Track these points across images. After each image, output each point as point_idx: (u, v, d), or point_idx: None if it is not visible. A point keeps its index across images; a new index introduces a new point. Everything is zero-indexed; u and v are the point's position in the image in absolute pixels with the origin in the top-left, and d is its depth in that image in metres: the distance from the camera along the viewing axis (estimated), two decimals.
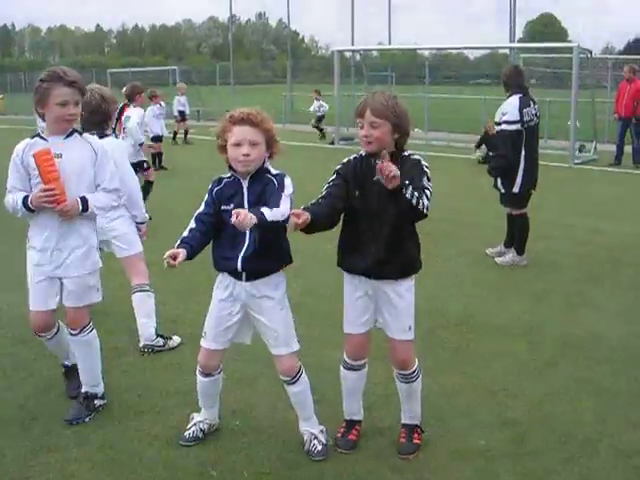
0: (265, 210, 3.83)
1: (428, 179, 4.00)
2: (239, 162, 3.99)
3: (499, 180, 8.66)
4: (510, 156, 8.40)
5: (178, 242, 4.14)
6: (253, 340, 4.41)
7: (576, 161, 18.86)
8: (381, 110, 3.95)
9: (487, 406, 4.94)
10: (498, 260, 8.81)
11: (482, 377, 5.43)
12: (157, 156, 18.03)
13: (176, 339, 6.12)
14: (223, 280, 4.23)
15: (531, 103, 8.56)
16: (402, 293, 4.16)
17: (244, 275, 4.10)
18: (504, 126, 8.43)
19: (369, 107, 3.97)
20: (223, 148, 4.07)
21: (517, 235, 8.83)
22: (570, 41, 26.66)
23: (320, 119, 26.31)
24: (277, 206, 3.90)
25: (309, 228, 3.84)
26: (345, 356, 4.42)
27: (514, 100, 8.45)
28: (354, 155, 4.21)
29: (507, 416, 4.80)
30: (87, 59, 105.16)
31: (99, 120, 6.03)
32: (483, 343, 6.13)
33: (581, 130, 20.19)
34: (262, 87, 42.93)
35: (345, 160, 4.23)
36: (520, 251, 8.82)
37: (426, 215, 3.96)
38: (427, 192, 3.93)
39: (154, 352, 5.93)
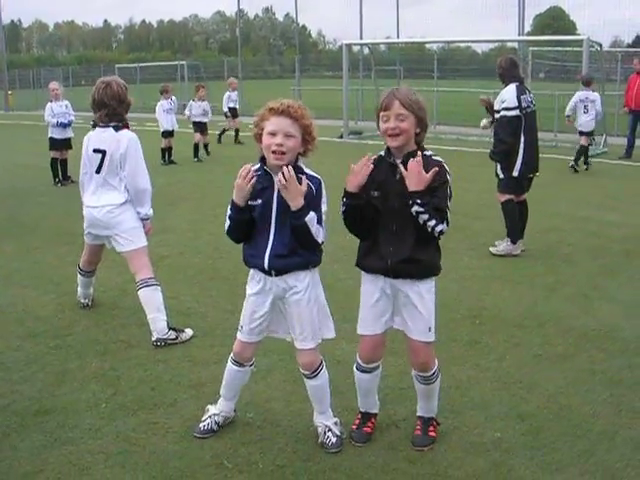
0: (312, 216, 3.94)
1: (450, 195, 4.00)
2: (272, 152, 3.94)
3: (499, 166, 8.78)
4: (510, 140, 8.61)
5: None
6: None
7: None
8: (408, 102, 3.95)
9: (502, 399, 4.91)
10: (492, 250, 8.82)
11: (496, 370, 5.39)
12: (167, 150, 18.08)
13: (188, 332, 6.08)
14: (255, 275, 4.20)
15: (526, 91, 8.81)
16: (422, 294, 4.09)
17: (273, 272, 4.08)
18: (503, 112, 8.64)
19: (397, 99, 3.96)
20: (259, 137, 4.03)
21: (508, 222, 8.85)
22: (579, 34, 26.47)
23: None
24: (320, 223, 4.00)
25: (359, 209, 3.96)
26: (358, 358, 4.35)
27: (511, 88, 8.68)
28: (372, 156, 4.13)
29: (522, 409, 4.77)
30: (95, 54, 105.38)
31: (117, 111, 6.09)
32: (496, 336, 6.10)
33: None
34: (270, 82, 42.74)
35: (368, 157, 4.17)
36: (514, 239, 8.85)
37: (439, 239, 4.06)
38: (447, 215, 3.96)
39: (167, 345, 5.91)
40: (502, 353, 5.72)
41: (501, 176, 8.78)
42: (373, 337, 4.24)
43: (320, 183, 4.10)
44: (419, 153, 3.90)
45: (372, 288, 4.18)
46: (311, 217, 3.95)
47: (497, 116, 8.78)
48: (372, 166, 3.95)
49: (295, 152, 4.01)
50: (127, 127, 6.19)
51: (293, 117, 3.95)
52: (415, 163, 3.84)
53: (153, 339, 5.96)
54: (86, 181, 6.23)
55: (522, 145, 8.62)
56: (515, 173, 8.68)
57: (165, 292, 6.38)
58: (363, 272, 4.24)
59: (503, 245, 8.86)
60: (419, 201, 3.85)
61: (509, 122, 8.58)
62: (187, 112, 19.13)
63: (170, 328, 6.00)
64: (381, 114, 4.02)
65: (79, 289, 6.83)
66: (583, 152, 16.60)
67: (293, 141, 3.96)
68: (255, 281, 4.20)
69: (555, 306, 6.87)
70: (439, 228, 3.93)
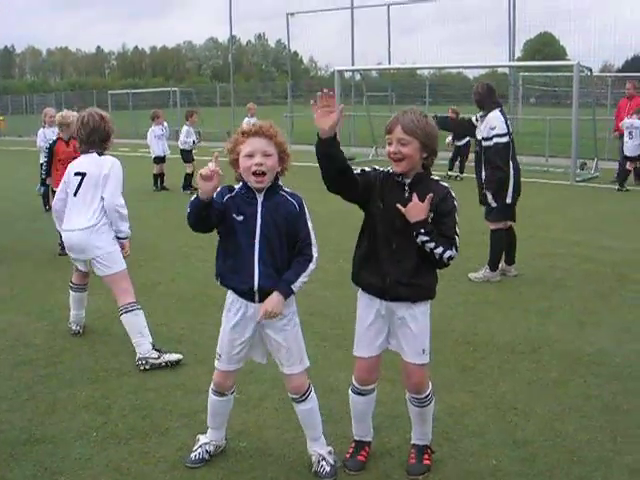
0: (292, 275, 4.00)
1: (457, 222, 4.03)
2: (252, 173, 3.95)
3: (490, 195, 8.69)
4: (505, 167, 8.59)
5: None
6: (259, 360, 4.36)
7: (578, 179, 18.87)
8: (411, 127, 3.91)
9: (497, 425, 4.87)
10: (471, 276, 8.81)
11: (491, 396, 5.36)
12: (159, 177, 18.10)
13: (175, 355, 6.04)
14: (234, 303, 4.15)
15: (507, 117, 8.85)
16: (417, 316, 4.08)
17: (257, 296, 4.04)
18: (496, 140, 8.56)
19: (399, 124, 3.93)
20: (235, 162, 4.04)
21: (493, 250, 8.85)
22: (569, 59, 26.66)
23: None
24: (309, 244, 4.05)
25: (331, 149, 3.89)
26: (354, 380, 4.32)
27: (497, 114, 8.65)
28: (380, 168, 4.14)
29: (517, 435, 4.73)
30: (88, 80, 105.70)
31: (98, 139, 6.25)
32: (490, 361, 6.07)
33: (582, 148, 20.23)
34: (263, 108, 42.87)
35: (372, 168, 4.16)
36: (493, 267, 8.86)
37: (447, 265, 4.04)
38: (456, 242, 4.00)
39: (151, 368, 5.88)
40: (496, 379, 5.69)
41: (493, 205, 8.69)
42: (368, 359, 4.21)
43: (301, 201, 4.11)
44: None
45: (367, 311, 4.15)
46: (299, 279, 4.04)
47: (486, 144, 8.66)
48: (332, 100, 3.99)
49: (274, 171, 4.02)
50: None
51: (268, 136, 3.99)
52: (415, 204, 3.85)
53: (136, 359, 5.97)
54: (62, 207, 6.33)
55: (512, 171, 8.62)
56: (508, 200, 8.66)
57: (157, 319, 6.35)
58: (360, 292, 4.21)
59: (482, 272, 8.86)
60: (423, 230, 3.86)
61: (504, 149, 8.55)
62: (188, 139, 18.00)
63: (155, 349, 6.01)
64: (386, 137, 4.03)
65: (72, 311, 6.78)
66: (625, 175, 17.61)
67: (272, 160, 3.99)
68: (234, 310, 4.15)
69: (549, 331, 6.84)
70: (447, 254, 3.95)
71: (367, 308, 4.16)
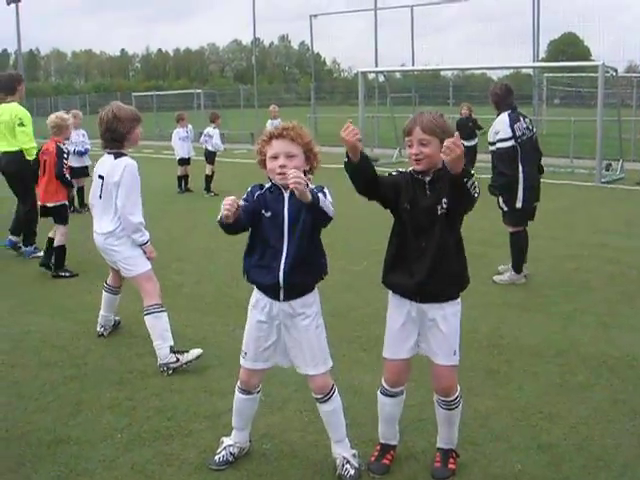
0: (320, 196, 3.93)
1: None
2: (277, 174, 4.03)
3: (501, 198, 8.65)
4: (509, 172, 8.45)
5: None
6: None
7: (603, 180, 18.71)
8: (430, 127, 3.97)
9: (522, 429, 4.84)
10: (496, 279, 8.75)
11: (516, 400, 5.32)
12: (183, 179, 18.14)
13: (194, 352, 6.02)
14: (260, 300, 4.18)
15: (521, 118, 8.61)
16: (448, 317, 4.11)
17: (282, 293, 4.07)
18: (499, 144, 8.50)
19: (418, 125, 3.99)
20: (263, 162, 4.14)
21: (514, 253, 8.78)
22: (594, 60, 26.46)
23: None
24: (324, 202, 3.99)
25: (360, 161, 3.90)
26: (383, 381, 4.32)
27: (504, 118, 8.54)
28: (402, 170, 4.19)
29: (543, 439, 4.69)
30: (112, 83, 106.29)
31: (111, 138, 6.10)
32: (515, 365, 6.03)
33: (607, 149, 20.07)
34: (286, 109, 42.84)
35: (397, 171, 4.22)
36: (518, 269, 8.78)
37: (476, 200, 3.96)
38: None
39: (174, 371, 5.90)
40: (521, 382, 5.65)
41: (505, 209, 8.65)
42: (398, 362, 4.22)
43: (322, 188, 4.07)
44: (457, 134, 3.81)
45: (398, 312, 4.18)
46: (324, 202, 3.94)
47: (491, 149, 8.68)
48: (358, 135, 3.84)
49: (300, 171, 4.00)
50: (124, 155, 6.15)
51: (291, 137, 4.04)
52: (450, 143, 3.65)
53: (158, 364, 5.98)
54: (93, 207, 6.32)
55: (522, 175, 8.44)
56: (518, 204, 8.53)
57: (181, 321, 6.35)
58: (390, 295, 4.23)
59: (507, 274, 8.80)
60: (466, 180, 3.79)
61: (507, 154, 8.43)
62: (219, 145, 18.09)
63: (173, 352, 5.99)
64: (405, 139, 4.07)
65: (101, 312, 6.79)
66: None
67: (295, 161, 4.03)
68: (260, 307, 4.19)
69: (573, 334, 6.79)
70: (478, 189, 3.90)
71: (397, 309, 4.18)
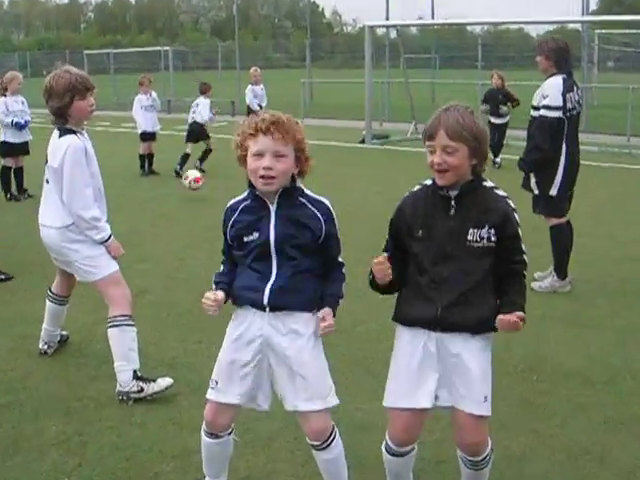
0: (338, 289, 4.20)
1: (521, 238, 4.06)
2: (259, 177, 3.96)
3: (533, 179, 8.65)
4: (548, 148, 8.44)
5: (213, 285, 4.26)
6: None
7: None
8: (458, 131, 3.83)
9: (566, 474, 4.86)
10: (535, 285, 8.71)
11: (558, 437, 5.34)
12: (147, 158, 18.11)
13: (162, 382, 6.00)
14: (240, 313, 4.18)
15: (574, 88, 8.59)
16: (476, 352, 3.98)
17: (268, 310, 4.06)
18: (543, 112, 8.46)
19: (442, 127, 3.85)
20: (243, 159, 4.05)
21: (556, 252, 8.77)
22: None
23: None
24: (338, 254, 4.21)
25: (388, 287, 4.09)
26: (388, 438, 4.20)
27: (556, 82, 8.48)
28: (418, 186, 4.12)
29: None
30: (59, 37, 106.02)
31: (51, 112, 6.04)
32: (557, 394, 6.05)
33: None
34: (275, 72, 42.84)
35: (403, 199, 4.15)
36: (562, 273, 8.78)
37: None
38: (525, 260, 4.05)
39: (134, 402, 5.90)
40: (565, 416, 5.67)
41: (535, 191, 8.66)
42: (408, 413, 4.05)
43: (328, 210, 4.11)
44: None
45: (410, 347, 4.04)
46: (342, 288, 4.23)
47: (533, 114, 8.64)
48: (390, 275, 4.00)
49: (288, 175, 4.01)
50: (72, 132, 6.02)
51: (282, 132, 3.95)
52: (507, 323, 3.85)
53: (116, 391, 5.97)
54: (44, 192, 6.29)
55: (563, 156, 8.47)
56: (553, 191, 8.54)
57: (144, 336, 6.35)
58: (399, 328, 4.15)
59: (548, 280, 8.80)
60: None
61: (549, 125, 8.41)
62: (205, 115, 18.30)
63: (136, 377, 5.97)
64: (426, 143, 3.95)
65: (44, 325, 6.77)
66: None
67: (285, 162, 3.97)
68: (239, 321, 4.17)
69: (631, 356, 6.81)
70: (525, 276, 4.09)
71: (410, 343, 4.05)
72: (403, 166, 16.76)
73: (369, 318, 7.27)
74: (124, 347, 6.02)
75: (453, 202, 3.94)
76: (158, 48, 45.40)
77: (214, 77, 40.07)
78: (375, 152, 21.61)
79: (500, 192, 4.03)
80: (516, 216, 4.00)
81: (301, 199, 4.08)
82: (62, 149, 5.89)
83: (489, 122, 19.18)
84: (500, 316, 3.84)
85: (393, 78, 30.87)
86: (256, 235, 4.03)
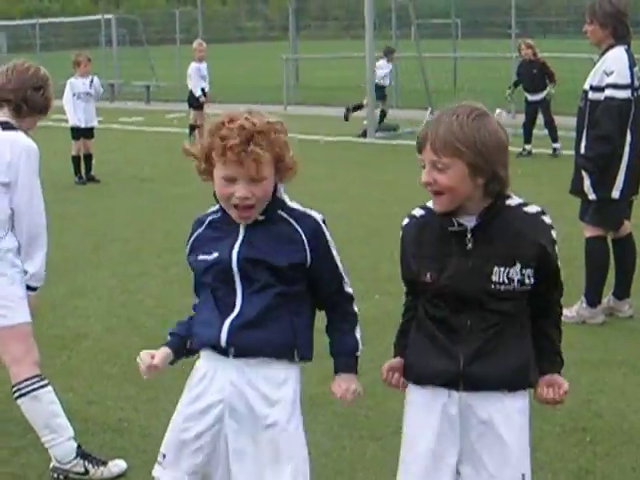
0: (350, 343, 4.23)
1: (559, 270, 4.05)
2: (233, 206, 3.95)
3: (587, 180, 8.52)
4: (617, 137, 8.33)
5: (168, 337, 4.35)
6: None
7: None
8: (448, 142, 3.72)
9: None
10: (566, 314, 8.63)
11: None
12: (85, 160, 17.99)
13: (113, 468, 5.97)
14: (200, 367, 4.17)
15: (636, 62, 8.52)
16: (512, 416, 3.94)
17: (231, 350, 4.03)
18: (610, 92, 8.30)
19: (429, 138, 3.79)
20: (208, 174, 4.04)
21: (587, 270, 8.72)
22: None
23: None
24: (341, 283, 4.19)
25: None
26: None
27: (621, 54, 8.41)
28: (419, 210, 4.08)
29: None
30: None
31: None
32: (620, 459, 6.05)
33: None
34: (249, 46, 42.93)
35: (403, 228, 4.12)
36: (593, 298, 8.71)
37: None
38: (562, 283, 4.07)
39: None
40: None
41: (591, 196, 8.53)
42: None
43: (318, 227, 4.10)
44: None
45: (427, 412, 4.01)
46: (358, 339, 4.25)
47: (594, 96, 8.45)
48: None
49: (269, 196, 4.00)
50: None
51: (259, 150, 3.86)
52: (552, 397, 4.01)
53: (51, 466, 5.94)
54: None
55: (627, 148, 8.42)
56: (615, 193, 8.45)
57: (81, 394, 6.35)
58: (411, 388, 4.14)
59: (575, 307, 8.72)
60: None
61: (618, 108, 8.28)
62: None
63: (81, 455, 5.94)
64: (418, 157, 3.92)
65: None
66: None
67: (263, 185, 3.95)
68: (199, 375, 4.16)
69: None
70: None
71: (426, 407, 4.02)
72: (417, 167, 16.51)
73: (374, 367, 7.22)
74: (44, 417, 5.90)
75: (469, 236, 3.85)
76: (98, 17, 45.37)
77: (171, 54, 40.08)
78: (380, 148, 21.62)
79: (531, 209, 3.93)
80: (553, 234, 3.92)
81: (280, 212, 4.06)
82: (17, 145, 5.93)
83: (525, 100, 19.42)
84: (539, 389, 3.95)
85: (403, 52, 30.91)
86: (214, 255, 4.03)
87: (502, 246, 3.80)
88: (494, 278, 3.80)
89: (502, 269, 3.80)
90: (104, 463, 5.98)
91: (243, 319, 4.00)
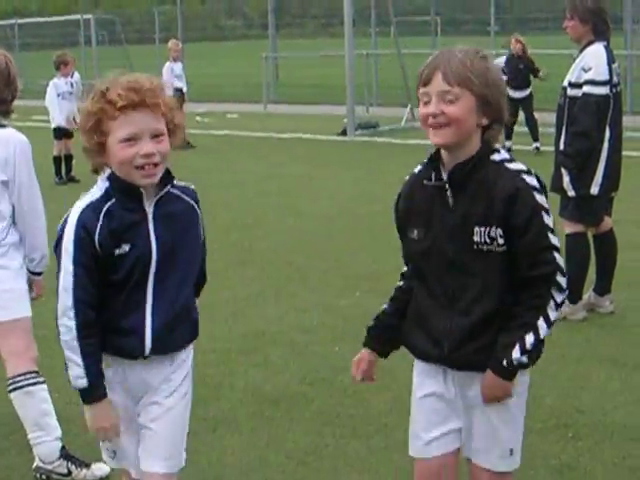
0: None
1: (552, 229, 3.82)
2: (136, 168, 3.81)
3: (566, 176, 8.55)
4: (595, 134, 8.39)
5: None
6: None
7: None
8: (461, 73, 3.69)
9: None
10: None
11: None
12: (65, 160, 18.01)
13: (97, 471, 5.95)
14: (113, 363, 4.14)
15: (613, 58, 8.59)
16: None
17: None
18: (588, 88, 8.38)
19: (440, 69, 3.71)
20: (101, 148, 3.90)
21: (570, 268, 8.68)
22: None
23: None
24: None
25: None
26: None
27: (600, 50, 8.47)
28: (415, 169, 4.05)
29: None
30: None
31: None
32: (602, 456, 6.06)
33: None
34: (228, 45, 42.96)
35: (398, 194, 4.10)
36: (574, 294, 8.69)
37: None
38: (555, 272, 3.88)
39: None
40: None
41: (570, 193, 8.58)
42: (431, 461, 4.02)
43: (196, 197, 4.10)
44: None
45: (428, 380, 4.02)
46: None
47: (572, 93, 8.53)
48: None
49: (169, 154, 3.90)
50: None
51: (155, 104, 3.80)
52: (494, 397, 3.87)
53: (33, 466, 5.93)
54: None
55: (606, 144, 8.46)
56: (594, 189, 8.51)
57: (68, 395, 6.32)
58: (416, 359, 4.12)
59: None
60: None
61: (596, 105, 8.35)
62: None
63: (65, 456, 5.93)
64: (420, 91, 3.83)
65: None
66: None
67: (165, 142, 3.87)
68: (116, 381, 4.18)
69: None
70: (552, 314, 4.17)
71: (427, 376, 4.04)
72: (397, 164, 16.59)
73: (347, 361, 7.21)
74: (34, 413, 5.90)
75: (448, 188, 3.80)
76: (76, 17, 45.28)
77: (150, 53, 40.06)
78: (360, 146, 21.59)
79: (513, 166, 3.84)
80: (537, 197, 3.77)
81: (174, 192, 4.00)
82: (12, 142, 6.07)
83: (507, 97, 19.40)
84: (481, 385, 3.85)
85: (382, 49, 30.93)
86: (127, 248, 3.87)
87: (480, 204, 3.73)
88: (475, 238, 3.75)
89: (482, 229, 3.73)
90: (87, 465, 5.97)
91: (162, 320, 4.01)
